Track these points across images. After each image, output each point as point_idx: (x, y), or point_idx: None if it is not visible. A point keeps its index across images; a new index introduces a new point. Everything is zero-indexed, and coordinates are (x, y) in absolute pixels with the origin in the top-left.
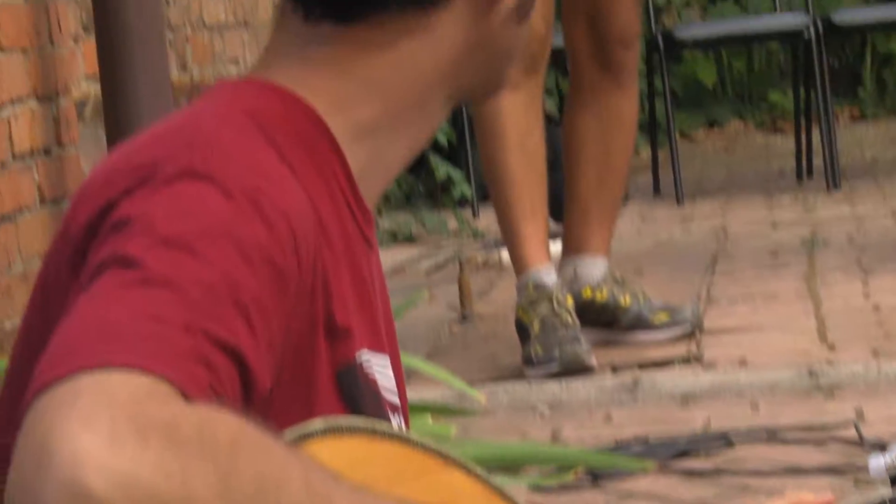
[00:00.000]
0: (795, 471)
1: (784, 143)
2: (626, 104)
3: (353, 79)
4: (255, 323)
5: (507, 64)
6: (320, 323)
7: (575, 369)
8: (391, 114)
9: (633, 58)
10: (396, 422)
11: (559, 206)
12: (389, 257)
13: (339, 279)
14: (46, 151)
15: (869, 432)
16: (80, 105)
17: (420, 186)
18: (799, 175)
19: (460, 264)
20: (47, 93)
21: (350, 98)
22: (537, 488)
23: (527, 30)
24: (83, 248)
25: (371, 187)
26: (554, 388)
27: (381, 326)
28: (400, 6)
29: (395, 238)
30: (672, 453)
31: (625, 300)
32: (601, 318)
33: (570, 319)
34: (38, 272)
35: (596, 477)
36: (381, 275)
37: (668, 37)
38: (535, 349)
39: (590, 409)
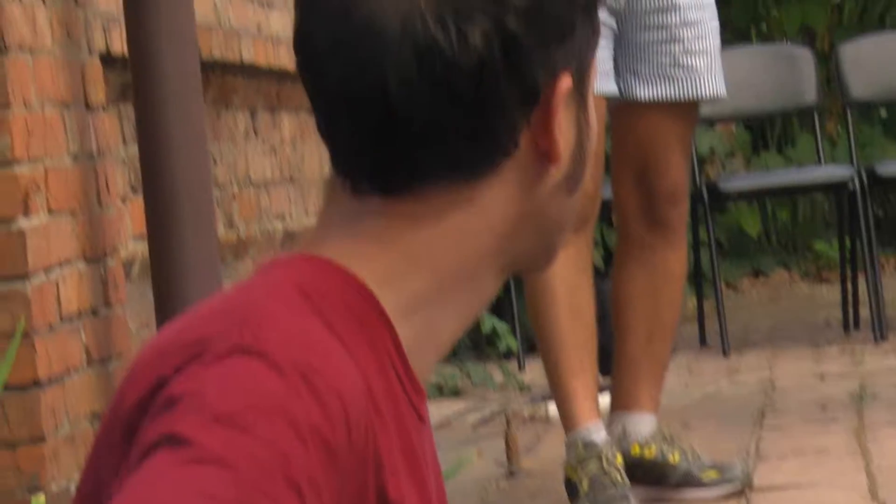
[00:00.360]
0: None
1: (830, 293)
2: (674, 260)
3: (403, 252)
4: (307, 500)
5: (559, 235)
6: (372, 498)
7: None
8: (442, 286)
9: (681, 214)
10: None
11: (607, 359)
12: (436, 411)
13: (391, 454)
14: (94, 312)
15: None
16: (128, 265)
17: (465, 339)
18: (846, 326)
19: (507, 418)
20: (95, 254)
21: (400, 271)
22: None
23: (578, 200)
24: (134, 426)
25: (422, 360)
26: None
27: (433, 502)
28: (447, 179)
29: (441, 391)
30: None
31: (673, 457)
32: (650, 476)
33: (619, 478)
34: (90, 449)
35: None
36: (432, 448)
37: (713, 188)
38: None
39: None
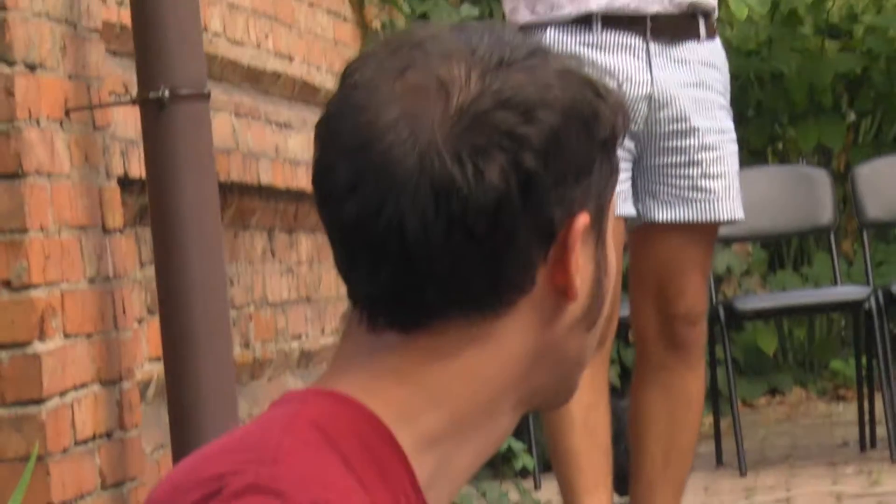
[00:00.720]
0: None
1: (846, 412)
2: (692, 382)
3: (419, 388)
4: None
5: (577, 371)
6: None
7: None
8: (458, 422)
9: (699, 335)
10: None
11: (623, 479)
12: None
13: None
14: (108, 435)
15: None
16: (143, 386)
17: None
18: (862, 445)
19: None
20: (111, 377)
21: (416, 407)
22: None
23: (596, 336)
24: None
25: (439, 496)
26: None
27: None
28: (463, 315)
29: None
30: None
31: None
32: None
33: None
34: None
35: None
36: None
37: (729, 308)
38: None
39: None
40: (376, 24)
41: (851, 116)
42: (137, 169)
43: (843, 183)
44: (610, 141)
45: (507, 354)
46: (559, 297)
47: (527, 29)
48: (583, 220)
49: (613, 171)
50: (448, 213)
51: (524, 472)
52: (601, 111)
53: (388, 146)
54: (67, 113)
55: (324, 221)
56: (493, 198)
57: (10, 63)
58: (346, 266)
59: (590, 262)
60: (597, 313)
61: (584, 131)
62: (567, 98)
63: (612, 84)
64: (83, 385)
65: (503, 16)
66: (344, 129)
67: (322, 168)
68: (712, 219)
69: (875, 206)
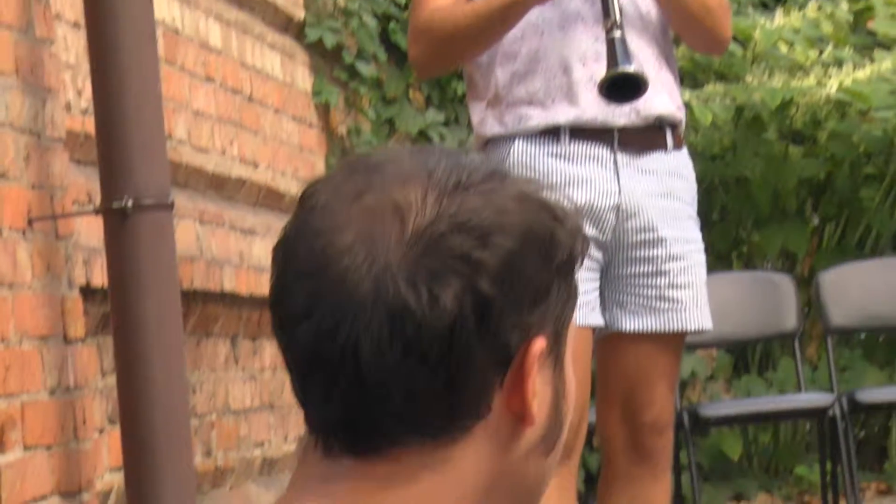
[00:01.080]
0: None
1: None
2: (658, 491)
3: None
4: None
5: (535, 497)
6: None
7: None
8: None
9: (666, 444)
10: None
11: None
12: None
13: None
14: None
15: None
16: (104, 496)
17: None
18: None
19: None
20: (70, 489)
21: None
22: None
23: (555, 460)
24: None
25: None
26: None
27: None
28: (418, 441)
29: None
30: None
31: None
32: None
33: None
34: None
35: None
36: None
37: (694, 414)
38: None
39: None
40: (342, 130)
41: (815, 221)
42: (100, 278)
43: (808, 287)
44: (567, 265)
45: (464, 480)
46: (516, 422)
47: (495, 141)
48: (539, 344)
49: (571, 296)
50: (403, 337)
51: None
52: (559, 235)
53: (344, 270)
54: (30, 222)
55: (280, 345)
56: (447, 323)
57: None
58: (302, 390)
59: (547, 387)
60: (555, 438)
61: (541, 256)
62: (524, 222)
63: (570, 208)
64: (42, 497)
65: (468, 121)
66: (300, 253)
67: (279, 292)
68: (679, 329)
69: (839, 312)
